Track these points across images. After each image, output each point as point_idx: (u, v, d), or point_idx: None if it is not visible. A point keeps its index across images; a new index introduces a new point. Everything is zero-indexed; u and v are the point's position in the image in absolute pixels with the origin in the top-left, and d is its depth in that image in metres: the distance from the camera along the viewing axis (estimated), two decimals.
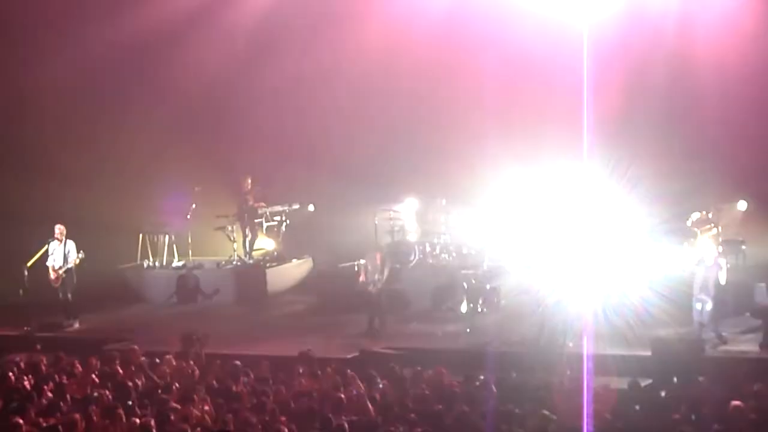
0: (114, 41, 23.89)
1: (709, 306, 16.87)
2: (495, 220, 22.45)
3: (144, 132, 23.98)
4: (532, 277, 18.75)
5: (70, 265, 20.10)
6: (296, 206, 23.45)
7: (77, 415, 12.10)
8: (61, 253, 20.12)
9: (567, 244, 20.24)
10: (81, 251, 20.13)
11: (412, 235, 22.32)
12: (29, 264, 20.15)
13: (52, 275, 20.18)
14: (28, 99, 24.19)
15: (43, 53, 23.71)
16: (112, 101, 24.04)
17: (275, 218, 23.24)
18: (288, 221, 23.44)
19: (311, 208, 23.77)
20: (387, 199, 23.08)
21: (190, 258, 23.12)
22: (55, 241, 20.16)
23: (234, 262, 23.04)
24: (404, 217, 23.00)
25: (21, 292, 20.90)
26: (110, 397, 13.26)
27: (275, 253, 23.42)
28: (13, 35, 23.93)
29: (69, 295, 20.21)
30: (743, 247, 20.12)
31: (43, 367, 15.08)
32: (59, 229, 20.18)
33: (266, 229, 23.30)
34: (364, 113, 24.24)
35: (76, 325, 20.30)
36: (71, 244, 20.15)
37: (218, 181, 23.80)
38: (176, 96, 24.31)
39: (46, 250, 20.23)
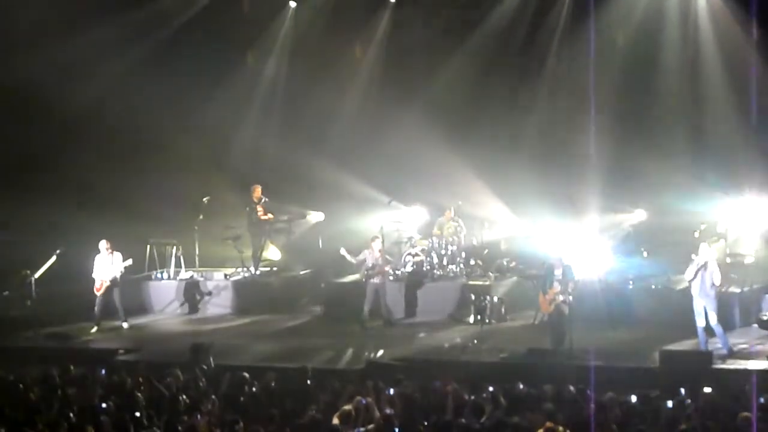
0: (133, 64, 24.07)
1: (711, 314, 16.87)
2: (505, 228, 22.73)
3: (158, 141, 24.07)
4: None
5: (116, 273, 20.52)
6: (302, 217, 23.69)
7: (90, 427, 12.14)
8: (108, 265, 20.47)
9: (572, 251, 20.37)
10: (129, 259, 20.73)
11: (420, 246, 22.30)
12: (37, 275, 20.23)
13: (98, 284, 20.56)
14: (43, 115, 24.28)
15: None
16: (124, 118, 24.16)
17: (282, 228, 23.31)
18: (294, 231, 23.54)
19: (320, 217, 23.91)
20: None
21: (198, 269, 23.16)
22: (102, 254, 20.54)
23: (241, 274, 23.06)
24: (411, 227, 23.09)
25: (28, 302, 21.01)
26: (118, 408, 13.28)
27: (282, 264, 23.46)
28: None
29: (118, 300, 20.69)
30: (751, 259, 20.09)
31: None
32: (106, 243, 20.56)
33: (273, 240, 23.36)
34: (371, 120, 24.46)
35: (126, 325, 20.79)
36: (117, 256, 20.56)
37: (227, 191, 23.89)
38: (185, 106, 24.42)
39: (55, 261, 20.37)
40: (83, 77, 23.72)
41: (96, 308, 20.66)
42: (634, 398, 13.49)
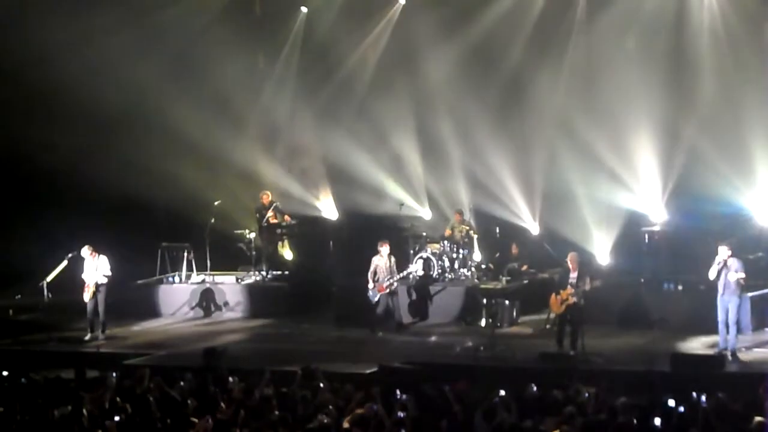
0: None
1: (732, 312, 16.87)
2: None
3: (164, 146, 24.07)
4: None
5: (99, 280, 20.01)
6: (313, 220, 23.76)
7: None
8: (93, 270, 20.05)
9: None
10: (108, 270, 20.02)
11: (432, 249, 22.24)
12: (48, 279, 20.25)
13: (84, 290, 20.14)
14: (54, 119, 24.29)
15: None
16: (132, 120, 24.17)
17: (293, 232, 23.34)
18: (306, 234, 23.58)
19: (333, 216, 23.94)
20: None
21: (209, 273, 23.17)
22: (88, 258, 20.08)
23: (253, 277, 23.06)
24: (422, 230, 23.08)
25: (40, 306, 21.07)
26: (129, 411, 13.27)
27: (294, 267, 23.46)
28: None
29: (100, 309, 20.14)
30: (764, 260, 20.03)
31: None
32: (89, 249, 20.04)
33: (285, 243, 23.38)
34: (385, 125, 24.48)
35: (101, 337, 20.21)
36: (103, 260, 20.07)
37: (238, 195, 23.93)
38: (190, 109, 24.42)
39: (66, 266, 20.36)
40: (104, 84, 23.67)
41: (88, 315, 20.19)
42: (645, 402, 13.42)
